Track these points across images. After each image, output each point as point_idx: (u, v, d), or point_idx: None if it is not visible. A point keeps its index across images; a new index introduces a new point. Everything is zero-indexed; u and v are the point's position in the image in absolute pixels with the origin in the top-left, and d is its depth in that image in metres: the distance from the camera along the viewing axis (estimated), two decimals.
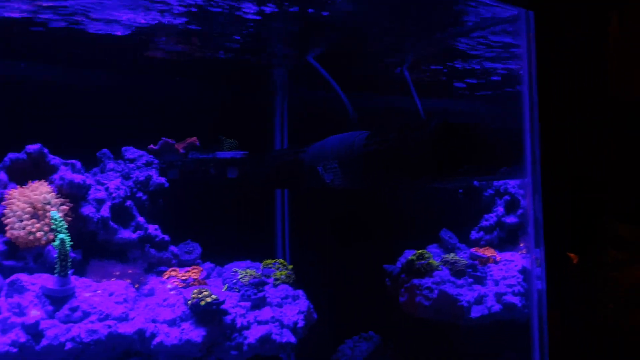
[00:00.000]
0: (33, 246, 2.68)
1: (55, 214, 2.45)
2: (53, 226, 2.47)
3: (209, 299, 2.57)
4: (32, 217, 2.70)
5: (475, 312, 2.96)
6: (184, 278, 2.92)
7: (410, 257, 3.11)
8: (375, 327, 3.35)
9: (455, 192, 3.47)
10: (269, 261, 3.15)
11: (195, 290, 2.60)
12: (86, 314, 2.41)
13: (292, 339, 2.73)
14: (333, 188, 2.85)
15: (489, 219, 3.37)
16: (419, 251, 3.13)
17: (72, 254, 2.74)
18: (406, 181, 2.56)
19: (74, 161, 2.86)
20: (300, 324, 2.80)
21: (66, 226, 2.47)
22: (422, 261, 3.06)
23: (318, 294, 3.02)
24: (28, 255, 2.67)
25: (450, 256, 3.14)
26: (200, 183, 3.39)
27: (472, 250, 3.23)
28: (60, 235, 2.39)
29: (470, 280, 3.06)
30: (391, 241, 3.39)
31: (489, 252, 3.22)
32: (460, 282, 3.05)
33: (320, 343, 3.25)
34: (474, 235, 3.37)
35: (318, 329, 2.96)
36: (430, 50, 3.11)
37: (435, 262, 3.09)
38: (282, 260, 3.14)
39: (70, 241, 2.47)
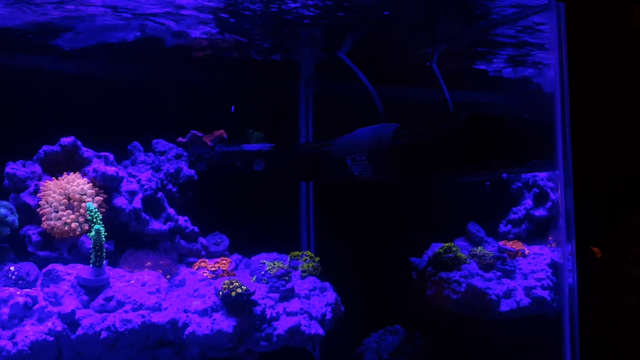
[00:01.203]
0: (68, 237, 2.74)
1: (91, 205, 2.50)
2: (88, 217, 2.52)
3: (239, 290, 2.60)
4: (67, 208, 2.76)
5: (504, 306, 2.94)
6: (213, 269, 2.96)
7: (437, 250, 3.10)
8: (401, 321, 3.35)
9: (482, 185, 3.44)
10: (296, 253, 3.17)
11: (226, 281, 2.63)
12: (120, 304, 2.46)
13: (321, 331, 2.74)
14: (360, 180, 2.85)
15: (518, 212, 3.33)
16: (447, 244, 3.12)
17: (105, 244, 2.79)
18: (436, 174, 2.54)
19: (106, 154, 2.91)
20: (328, 316, 2.82)
21: (101, 217, 2.52)
22: (450, 254, 3.05)
23: (343, 287, 3.03)
24: (62, 246, 2.74)
25: (479, 249, 3.12)
26: (228, 175, 3.42)
27: (501, 243, 3.20)
28: (96, 226, 2.44)
29: (498, 273, 3.04)
30: (418, 234, 3.37)
31: (517, 246, 3.19)
32: (488, 275, 3.03)
33: (345, 336, 3.28)
34: (502, 228, 3.34)
35: (343, 322, 2.98)
36: (459, 42, 3.07)
37: (463, 255, 3.07)
38: (309, 252, 3.15)
39: (105, 232, 2.52)
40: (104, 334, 2.36)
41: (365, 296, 3.38)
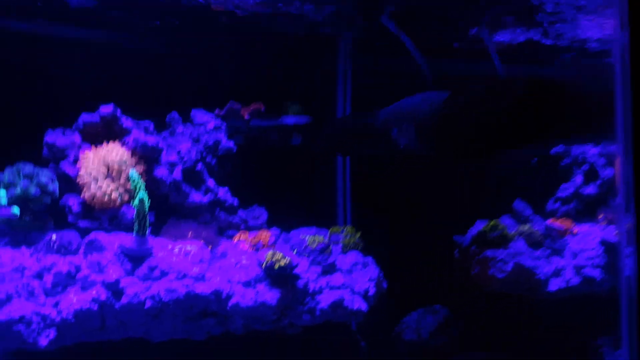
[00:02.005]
0: (108, 207, 2.70)
1: (134, 173, 2.45)
2: (131, 186, 2.47)
3: (282, 263, 2.54)
4: (107, 178, 2.72)
5: (553, 285, 2.83)
6: (253, 242, 2.90)
7: (482, 228, 3.00)
8: (442, 300, 3.26)
9: (529, 161, 3.32)
10: (336, 228, 3.10)
11: (269, 253, 2.57)
12: (164, 273, 2.42)
13: (364, 306, 2.68)
14: (402, 154, 2.76)
15: (566, 189, 3.20)
16: (492, 222, 3.01)
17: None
18: (490, 145, 2.43)
19: (147, 123, 2.86)
20: (371, 291, 2.75)
21: (144, 185, 2.47)
22: (496, 232, 2.94)
23: (381, 264, 2.95)
24: (103, 217, 2.70)
25: (526, 227, 3.01)
26: (264, 149, 3.35)
27: (548, 221, 3.08)
28: (140, 194, 2.39)
29: (547, 252, 2.93)
30: (461, 211, 3.27)
31: (566, 224, 3.07)
32: (536, 253, 2.92)
33: (384, 315, 3.21)
34: (550, 206, 3.21)
35: (381, 300, 2.90)
36: (509, 8, 2.93)
37: (509, 233, 2.97)
38: (350, 228, 3.08)
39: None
40: (148, 303, 2.32)
41: (404, 275, 3.30)
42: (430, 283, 3.31)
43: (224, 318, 2.48)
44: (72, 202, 2.70)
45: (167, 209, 2.83)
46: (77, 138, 2.82)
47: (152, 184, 2.78)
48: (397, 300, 3.18)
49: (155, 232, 2.71)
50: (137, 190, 2.42)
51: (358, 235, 3.06)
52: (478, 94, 2.33)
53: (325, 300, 2.61)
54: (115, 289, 2.32)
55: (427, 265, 3.32)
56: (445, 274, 3.23)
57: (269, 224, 3.19)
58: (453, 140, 2.42)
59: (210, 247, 2.71)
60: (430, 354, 3.07)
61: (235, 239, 2.92)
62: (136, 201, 2.39)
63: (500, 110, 2.19)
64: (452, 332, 3.08)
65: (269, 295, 2.49)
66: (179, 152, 2.88)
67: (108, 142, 2.80)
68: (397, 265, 3.21)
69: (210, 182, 2.94)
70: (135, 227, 2.44)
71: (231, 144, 3.09)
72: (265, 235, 2.97)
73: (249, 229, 3.08)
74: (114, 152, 2.76)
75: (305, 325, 2.62)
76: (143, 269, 2.41)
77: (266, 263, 2.54)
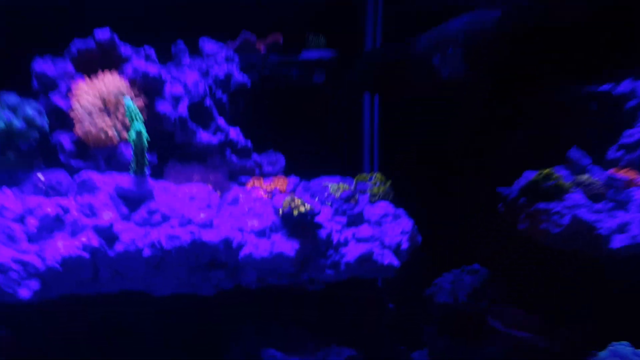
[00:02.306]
0: (104, 145, 2.37)
1: (130, 101, 2.10)
2: (127, 116, 2.13)
3: (302, 209, 2.19)
4: (103, 112, 2.38)
5: (617, 242, 2.43)
6: (269, 189, 2.56)
7: (533, 178, 2.59)
8: (482, 259, 2.90)
9: (587, 104, 2.88)
10: (363, 175, 2.73)
11: (287, 198, 2.23)
12: (165, 218, 2.09)
13: (395, 262, 2.33)
14: (443, 88, 2.36)
15: (632, 135, 2.76)
16: (545, 170, 2.60)
17: (148, 155, 2.42)
18: (556, 64, 2.01)
19: (148, 49, 2.49)
20: (404, 245, 2.39)
21: (142, 117, 2.12)
22: (550, 182, 2.54)
23: (413, 219, 2.59)
24: (99, 156, 2.37)
25: (584, 177, 2.60)
26: (283, 88, 2.97)
27: (610, 171, 2.66)
28: (136, 126, 2.04)
29: (609, 205, 2.52)
30: (505, 161, 2.86)
31: (630, 174, 2.65)
32: (597, 207, 2.52)
33: (413, 275, 2.88)
34: (611, 154, 2.78)
35: (413, 257, 2.55)
36: None
37: (565, 183, 2.56)
38: (379, 175, 2.71)
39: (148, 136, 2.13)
40: (147, 252, 2.01)
41: (438, 229, 2.94)
42: (469, 240, 2.95)
43: (234, 270, 2.16)
44: (64, 139, 2.37)
45: (172, 150, 2.48)
46: (69, 67, 2.47)
47: (154, 121, 2.43)
48: (429, 258, 2.83)
49: (158, 174, 2.38)
50: (133, 122, 2.08)
51: (388, 184, 2.69)
52: (536, 8, 1.91)
53: (351, 253, 2.27)
54: (108, 235, 2.00)
55: (465, 220, 2.95)
56: (486, 230, 2.85)
57: (286, 172, 2.84)
58: (508, 62, 2.01)
59: (219, 192, 2.37)
60: (468, 320, 2.73)
61: (249, 186, 2.58)
62: (132, 134, 2.05)
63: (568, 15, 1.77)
64: (495, 294, 2.72)
65: (287, 246, 2.16)
66: (185, 85, 2.51)
67: (104, 71, 2.46)
68: (430, 218, 2.84)
69: (221, 121, 2.58)
70: (132, 165, 2.11)
71: (245, 78, 2.71)
72: (282, 182, 2.62)
73: (264, 175, 2.74)
74: (111, 83, 2.41)
75: (328, 281, 2.29)
76: (141, 213, 2.08)
77: (283, 209, 2.20)
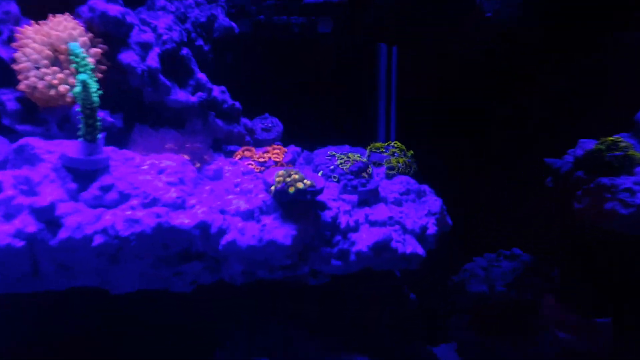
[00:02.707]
0: (56, 105, 1.91)
1: (76, 46, 1.62)
2: (73, 65, 1.65)
3: (300, 185, 1.72)
4: (53, 63, 1.91)
5: None
6: (261, 160, 2.09)
7: (595, 147, 2.09)
8: (523, 243, 2.42)
9: None
10: (378, 144, 2.25)
11: (281, 172, 1.76)
12: (124, 197, 1.64)
13: (420, 250, 1.86)
14: (482, 35, 1.84)
15: None
16: (610, 138, 2.09)
17: (110, 118, 1.96)
18: None
19: None
20: (431, 229, 1.92)
21: (92, 66, 1.64)
22: (617, 152, 2.04)
23: (438, 195, 2.11)
24: (50, 118, 1.91)
25: None
26: (281, 39, 2.47)
27: None
28: (81, 77, 1.57)
29: None
30: (556, 126, 2.36)
31: None
32: None
33: (436, 258, 2.44)
34: None
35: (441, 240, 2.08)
36: None
37: (637, 153, 2.06)
38: (398, 143, 2.22)
39: (100, 90, 1.66)
40: (98, 239, 1.55)
41: (469, 208, 2.46)
42: (506, 219, 2.48)
43: (215, 262, 1.71)
44: (7, 97, 1.91)
45: (142, 111, 2.02)
46: (13, 8, 1.99)
47: (117, 74, 1.96)
48: (457, 240, 2.37)
49: (122, 142, 1.93)
50: (80, 71, 1.60)
51: (410, 154, 2.20)
52: None
53: (363, 240, 1.80)
54: (50, 218, 1.56)
55: (502, 196, 2.47)
56: (530, 208, 2.38)
57: (284, 140, 2.37)
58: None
59: (197, 164, 1.90)
60: (507, 313, 2.27)
61: (237, 157, 2.11)
62: (77, 86, 1.58)
63: None
64: (542, 284, 2.24)
65: (281, 232, 1.69)
66: (155, 29, 2.02)
67: (55, 14, 1.98)
68: (460, 193, 2.37)
69: (201, 76, 2.10)
70: (81, 128, 1.64)
71: (231, 23, 2.21)
72: (278, 152, 2.14)
73: (257, 144, 2.27)
74: (63, 27, 1.93)
75: (334, 273, 1.84)
76: (92, 191, 1.63)
77: (277, 186, 1.73)
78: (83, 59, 1.62)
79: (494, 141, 2.48)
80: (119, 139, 1.94)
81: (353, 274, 1.86)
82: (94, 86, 1.58)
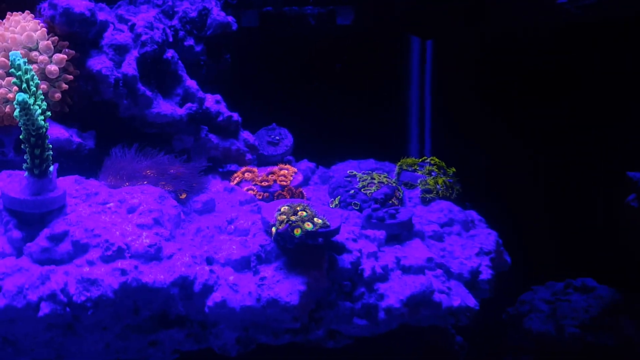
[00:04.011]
0: (14, 124, 1.57)
1: (16, 56, 1.26)
2: (15, 80, 1.29)
3: (309, 226, 1.32)
4: (8, 73, 1.57)
5: None
6: (265, 184, 1.70)
7: None
8: (595, 274, 1.96)
9: None
10: (410, 160, 1.82)
11: (284, 207, 1.36)
12: (80, 248, 1.27)
13: (471, 301, 1.44)
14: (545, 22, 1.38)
15: None
16: None
17: (77, 138, 1.60)
18: None
19: None
20: (485, 273, 1.49)
21: (37, 81, 1.28)
22: None
23: (488, 216, 1.68)
24: (6, 140, 1.58)
25: None
26: (291, 35, 2.07)
27: None
28: (20, 97, 1.20)
29: None
30: (629, 133, 1.88)
31: None
32: None
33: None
34: None
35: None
36: None
37: None
38: (435, 159, 1.79)
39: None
40: (45, 308, 1.20)
41: (526, 232, 2.02)
42: (574, 244, 2.01)
43: (201, 328, 1.33)
44: None
45: (118, 128, 1.66)
46: None
47: (86, 84, 1.60)
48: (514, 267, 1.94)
49: (94, 168, 1.57)
50: (21, 88, 1.25)
51: (451, 172, 1.77)
52: None
53: (395, 291, 1.39)
54: None
55: (570, 216, 2.01)
56: (606, 230, 1.91)
57: (296, 155, 1.97)
58: None
59: (183, 195, 1.53)
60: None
61: (235, 180, 1.73)
62: (17, 110, 1.22)
63: None
64: (628, 325, 1.78)
65: (285, 287, 1.30)
66: (133, 28, 1.65)
67: (13, 12, 1.63)
68: (510, 216, 1.92)
69: (191, 83, 1.71)
70: (27, 160, 1.29)
71: (229, 17, 1.82)
72: (286, 173, 1.74)
73: (262, 162, 1.88)
74: (20, 29, 1.58)
75: (359, 335, 1.44)
76: (40, 240, 1.27)
77: (279, 226, 1.34)
78: (26, 72, 1.25)
79: (558, 150, 2.01)
80: (91, 162, 1.59)
81: (385, 334, 1.46)
82: (35, 109, 1.22)
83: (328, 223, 1.36)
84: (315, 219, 1.35)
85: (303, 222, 1.33)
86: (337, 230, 1.38)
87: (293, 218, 1.34)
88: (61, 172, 1.42)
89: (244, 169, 1.74)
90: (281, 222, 1.34)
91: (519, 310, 2.12)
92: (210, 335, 1.32)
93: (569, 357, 1.94)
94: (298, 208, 1.37)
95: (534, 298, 2.12)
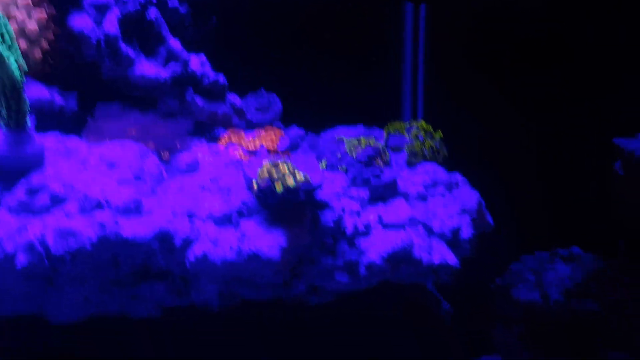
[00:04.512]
0: None
1: None
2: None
3: (291, 181, 1.32)
4: None
5: None
6: (251, 147, 1.69)
7: None
8: (583, 243, 1.95)
9: None
10: (397, 124, 1.81)
11: (266, 165, 1.36)
12: (57, 200, 1.27)
13: (451, 259, 1.44)
14: None
15: None
16: None
17: (59, 99, 1.59)
18: None
19: None
20: (466, 232, 1.49)
21: (13, 34, 1.27)
22: None
23: (477, 182, 1.68)
24: None
25: None
26: None
27: None
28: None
29: None
30: (627, 100, 1.85)
31: None
32: None
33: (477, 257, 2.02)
34: None
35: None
36: None
37: None
38: (422, 123, 1.77)
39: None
40: (22, 259, 1.20)
41: (515, 199, 2.01)
42: (561, 213, 2.01)
43: (182, 282, 1.33)
44: None
45: (101, 90, 1.64)
46: None
47: (68, 44, 1.58)
48: (501, 235, 1.94)
49: (77, 130, 1.56)
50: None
51: (438, 136, 1.76)
52: None
53: (376, 247, 1.39)
54: None
55: (556, 185, 2.01)
56: (593, 199, 1.91)
57: (285, 122, 1.96)
58: None
59: (166, 154, 1.52)
60: (566, 328, 1.82)
61: (222, 143, 1.72)
62: None
63: None
64: (611, 293, 1.78)
65: (266, 242, 1.30)
66: None
67: None
68: (500, 183, 1.92)
69: (175, 44, 1.70)
70: (3, 114, 1.28)
71: None
72: (272, 135, 1.73)
73: (250, 127, 1.87)
74: None
75: (341, 290, 1.44)
76: (17, 193, 1.27)
77: (260, 182, 1.33)
78: (4, 23, 1.24)
79: (551, 119, 2.00)
80: (73, 124, 1.57)
81: (367, 289, 1.46)
82: (12, 62, 1.20)
83: (310, 180, 1.36)
84: (297, 176, 1.34)
85: (285, 178, 1.33)
86: (319, 187, 1.37)
87: (275, 174, 1.33)
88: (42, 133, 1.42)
89: (230, 131, 1.73)
90: (263, 178, 1.33)
91: (507, 280, 2.12)
92: (192, 290, 1.32)
93: (556, 324, 1.95)
94: (281, 165, 1.36)
95: (522, 268, 2.11)
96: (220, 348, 1.44)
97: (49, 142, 1.37)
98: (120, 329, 1.39)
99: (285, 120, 1.96)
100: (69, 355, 1.40)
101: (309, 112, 1.98)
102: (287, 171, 1.34)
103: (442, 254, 1.45)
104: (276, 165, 1.34)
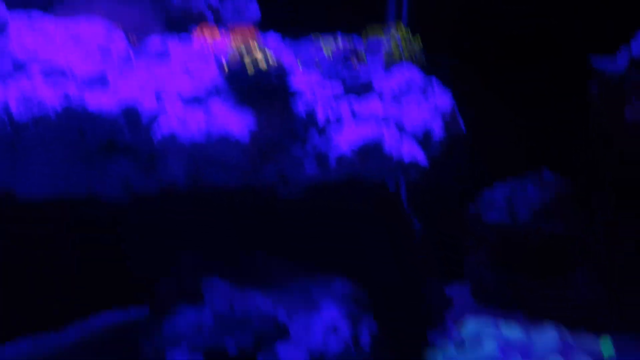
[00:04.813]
0: None
1: None
2: None
3: (263, 64, 1.30)
4: None
5: None
6: (226, 43, 1.66)
7: None
8: (556, 163, 1.97)
9: None
10: (376, 28, 1.79)
11: (239, 47, 1.33)
12: (18, 66, 1.23)
13: (421, 157, 1.45)
14: None
15: None
16: None
17: None
18: None
19: None
20: (437, 133, 1.50)
21: None
22: None
23: (454, 91, 1.67)
24: None
25: None
26: None
27: None
28: None
29: None
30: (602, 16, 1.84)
31: None
32: None
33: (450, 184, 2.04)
34: None
35: (451, 152, 1.66)
36: None
37: None
38: (400, 27, 1.76)
39: None
40: None
41: (489, 120, 2.02)
42: (535, 136, 2.03)
43: (148, 158, 1.32)
44: None
45: None
46: None
47: None
48: (474, 160, 1.96)
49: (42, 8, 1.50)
50: None
51: (416, 41, 1.74)
52: None
53: (347, 138, 1.39)
54: None
55: (531, 106, 2.02)
56: (566, 120, 1.93)
57: (263, 26, 1.92)
58: None
59: (134, 39, 1.48)
60: (533, 248, 1.87)
61: (194, 38, 1.68)
62: None
63: None
64: (576, 213, 1.82)
65: (236, 122, 1.29)
66: None
67: None
68: (478, 100, 1.92)
69: None
70: None
71: None
72: (247, 35, 1.70)
73: (225, 27, 1.83)
74: None
75: (309, 183, 1.44)
76: None
77: (230, 62, 1.31)
78: None
79: (524, 36, 1.99)
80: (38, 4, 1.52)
81: (334, 183, 1.47)
82: None
83: (284, 64, 1.34)
84: (270, 60, 1.33)
85: (257, 61, 1.31)
86: (291, 71, 1.35)
87: (247, 57, 1.31)
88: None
89: (203, 27, 1.69)
90: (234, 59, 1.31)
91: (479, 206, 2.16)
92: (158, 166, 1.31)
93: (523, 244, 1.99)
94: (253, 47, 1.34)
95: (493, 194, 2.15)
96: (190, 234, 1.45)
97: (17, 14, 1.32)
98: (88, 212, 1.39)
99: (264, 26, 1.92)
100: (37, 237, 1.40)
101: (290, 18, 1.94)
102: (259, 55, 1.32)
103: (413, 152, 1.46)
104: (249, 48, 1.32)
